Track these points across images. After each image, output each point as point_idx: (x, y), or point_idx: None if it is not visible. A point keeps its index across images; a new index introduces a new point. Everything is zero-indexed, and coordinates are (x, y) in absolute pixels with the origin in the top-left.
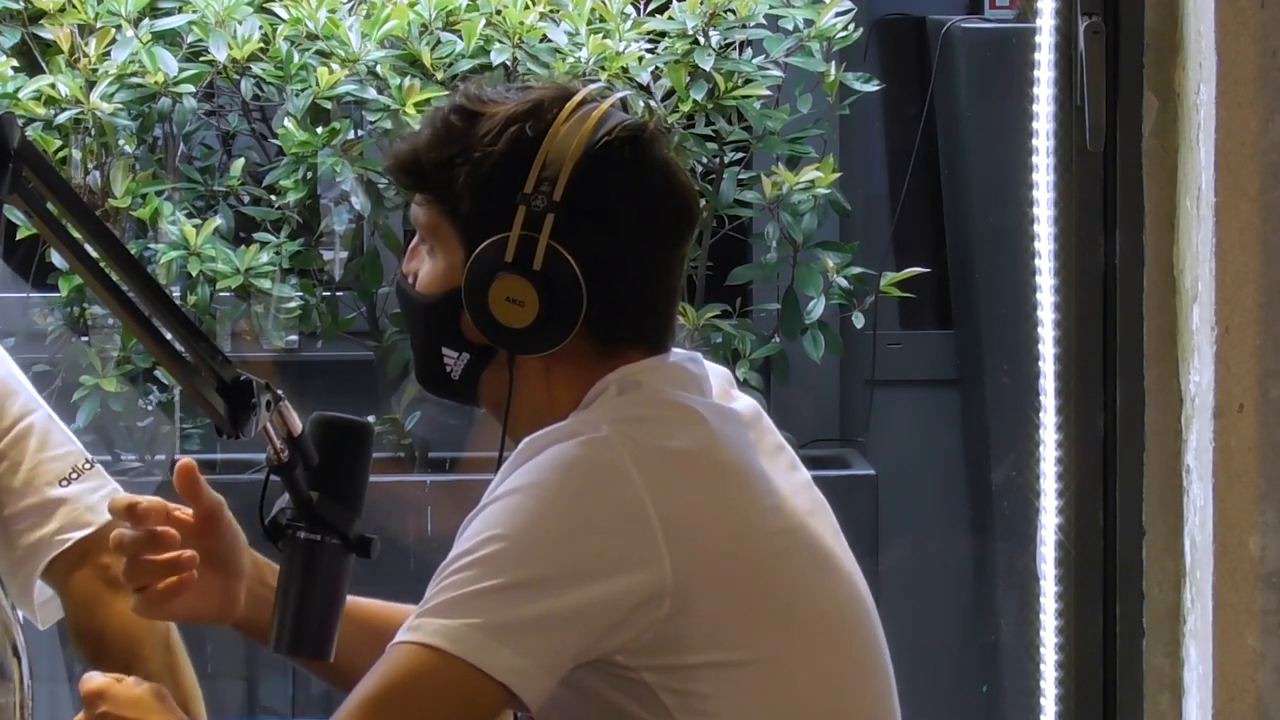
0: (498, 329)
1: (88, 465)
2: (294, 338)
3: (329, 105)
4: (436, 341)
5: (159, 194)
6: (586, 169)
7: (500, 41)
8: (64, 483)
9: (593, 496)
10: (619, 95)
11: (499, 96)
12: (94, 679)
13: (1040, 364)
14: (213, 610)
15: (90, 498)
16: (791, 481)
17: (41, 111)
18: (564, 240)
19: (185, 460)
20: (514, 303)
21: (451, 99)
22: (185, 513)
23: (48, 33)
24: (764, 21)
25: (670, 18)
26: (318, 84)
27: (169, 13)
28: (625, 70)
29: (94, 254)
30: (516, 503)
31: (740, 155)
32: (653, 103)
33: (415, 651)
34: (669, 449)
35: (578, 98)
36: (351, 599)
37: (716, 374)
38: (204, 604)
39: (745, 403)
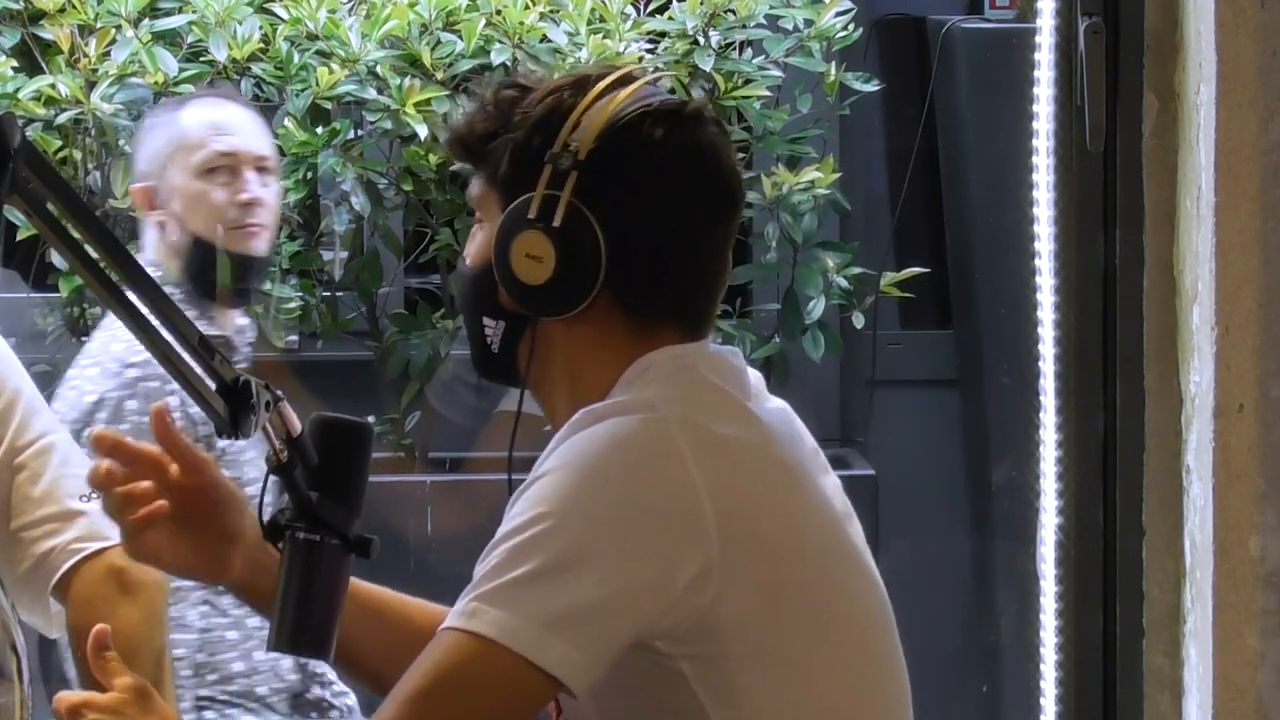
0: (518, 287)
1: None
2: (294, 338)
3: (329, 105)
4: (479, 313)
5: None
6: (617, 133)
7: (500, 41)
8: (85, 499)
9: (644, 474)
10: (663, 74)
11: (553, 77)
12: (67, 696)
13: (1040, 364)
14: (202, 567)
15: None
16: (827, 484)
17: (41, 111)
18: (588, 200)
19: (159, 404)
20: (533, 259)
21: (507, 77)
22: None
23: (48, 33)
24: (764, 21)
25: (670, 18)
26: (318, 84)
27: (169, 13)
28: None
29: (94, 254)
30: (566, 479)
31: (740, 155)
32: (696, 90)
33: (467, 642)
34: (724, 436)
35: (620, 72)
36: (362, 585)
37: (751, 372)
38: (193, 559)
39: (778, 404)
